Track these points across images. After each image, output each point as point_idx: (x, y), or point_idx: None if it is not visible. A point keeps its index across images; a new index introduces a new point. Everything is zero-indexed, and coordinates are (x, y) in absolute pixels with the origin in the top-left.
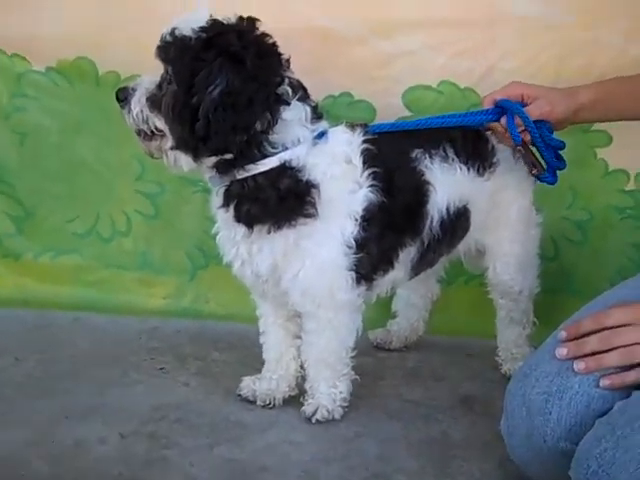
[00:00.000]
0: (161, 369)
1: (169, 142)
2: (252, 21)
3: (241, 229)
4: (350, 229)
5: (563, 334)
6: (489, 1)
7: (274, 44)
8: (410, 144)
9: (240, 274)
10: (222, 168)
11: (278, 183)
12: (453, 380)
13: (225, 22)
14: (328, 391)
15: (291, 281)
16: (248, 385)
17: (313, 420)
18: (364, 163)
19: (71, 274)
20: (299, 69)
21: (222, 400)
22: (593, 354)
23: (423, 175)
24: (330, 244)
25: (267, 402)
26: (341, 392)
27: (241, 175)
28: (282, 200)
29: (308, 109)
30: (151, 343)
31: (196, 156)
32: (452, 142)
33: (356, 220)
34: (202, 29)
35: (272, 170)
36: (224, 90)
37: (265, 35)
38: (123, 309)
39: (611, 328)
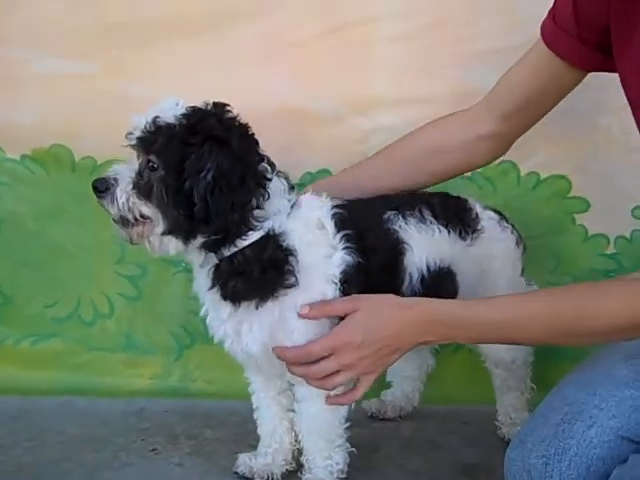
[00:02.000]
0: (153, 450)
1: (159, 227)
2: (224, 106)
3: (227, 307)
4: (331, 294)
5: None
6: (460, 77)
7: (248, 126)
8: (382, 207)
9: (232, 352)
10: (211, 246)
11: (262, 254)
12: (452, 448)
13: (203, 108)
14: (324, 464)
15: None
16: (244, 462)
17: None
18: (336, 226)
19: (53, 359)
20: (276, 148)
21: (218, 479)
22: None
23: (397, 234)
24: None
25: (265, 478)
26: (337, 463)
27: (231, 251)
28: (264, 271)
29: (284, 181)
30: (140, 424)
31: (187, 239)
32: (430, 205)
33: (335, 284)
34: (184, 116)
35: (257, 241)
36: (216, 173)
37: (238, 119)
38: (109, 391)
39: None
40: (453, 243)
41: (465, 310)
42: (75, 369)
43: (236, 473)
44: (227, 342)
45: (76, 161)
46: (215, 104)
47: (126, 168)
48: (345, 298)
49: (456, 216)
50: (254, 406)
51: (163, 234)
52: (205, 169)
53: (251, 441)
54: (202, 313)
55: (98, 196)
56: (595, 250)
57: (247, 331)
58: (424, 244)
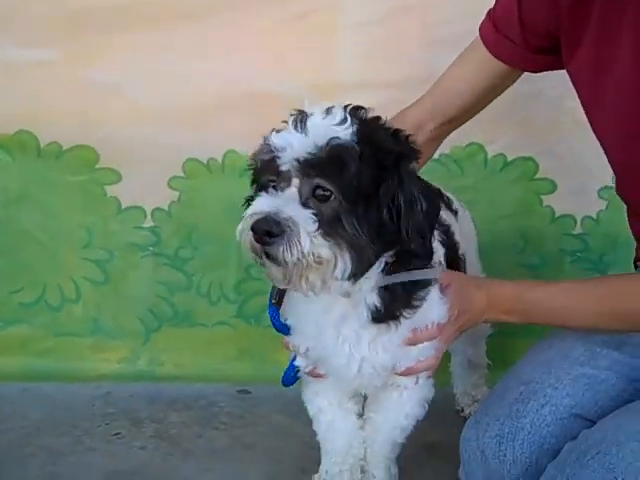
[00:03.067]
0: (116, 434)
1: (339, 270)
2: (364, 109)
3: (373, 329)
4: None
5: None
6: (425, 62)
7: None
8: None
9: (346, 373)
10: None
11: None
12: (416, 428)
13: (366, 119)
14: (387, 476)
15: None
16: None
17: None
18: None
19: (19, 344)
20: (243, 132)
21: (181, 462)
22: None
23: (443, 220)
24: (440, 300)
25: None
26: (395, 475)
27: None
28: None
29: None
30: (105, 409)
31: (361, 277)
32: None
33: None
34: (359, 132)
35: None
36: (424, 199)
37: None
38: (76, 376)
39: None
40: (455, 223)
41: (527, 291)
42: (42, 354)
43: None
44: (354, 366)
45: (41, 147)
46: (358, 108)
47: (283, 201)
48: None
49: (447, 203)
50: (324, 423)
51: (347, 278)
52: (416, 198)
53: (216, 424)
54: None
55: (266, 242)
56: (562, 230)
57: (387, 345)
58: (456, 230)
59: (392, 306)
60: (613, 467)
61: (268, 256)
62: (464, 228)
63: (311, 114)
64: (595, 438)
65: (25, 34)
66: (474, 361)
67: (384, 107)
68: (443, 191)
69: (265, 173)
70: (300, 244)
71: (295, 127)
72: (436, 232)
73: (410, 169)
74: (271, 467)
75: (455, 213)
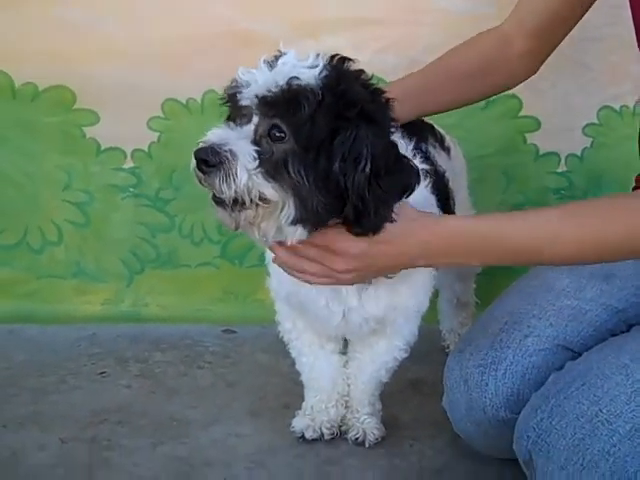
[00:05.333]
0: (101, 374)
1: (285, 214)
2: (349, 61)
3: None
4: None
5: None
6: None
7: (384, 90)
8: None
9: (335, 321)
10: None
11: None
12: (400, 365)
13: (343, 69)
14: (372, 410)
15: (404, 312)
16: (306, 424)
17: (366, 445)
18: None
19: (2, 287)
20: (224, 71)
21: (165, 400)
22: None
23: (438, 164)
24: None
25: (333, 433)
26: (380, 410)
27: None
28: None
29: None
30: (90, 349)
31: (315, 229)
32: (430, 133)
33: None
34: (327, 79)
35: None
36: (373, 161)
37: (373, 82)
38: (59, 318)
39: None
40: (448, 163)
41: (495, 229)
42: (25, 297)
43: (302, 438)
44: (336, 318)
45: (16, 87)
46: (343, 59)
47: (235, 135)
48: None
49: (440, 139)
50: (307, 364)
51: (292, 223)
52: (363, 157)
53: (200, 362)
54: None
55: (204, 170)
56: (546, 168)
57: (373, 296)
58: (446, 168)
59: None
60: (598, 399)
61: (214, 200)
62: (456, 167)
63: (284, 54)
64: (580, 370)
65: None
66: (462, 299)
67: (369, 43)
68: (436, 127)
69: (230, 107)
70: (236, 177)
71: (264, 64)
72: (430, 186)
73: (373, 129)
74: (254, 404)
75: (448, 151)
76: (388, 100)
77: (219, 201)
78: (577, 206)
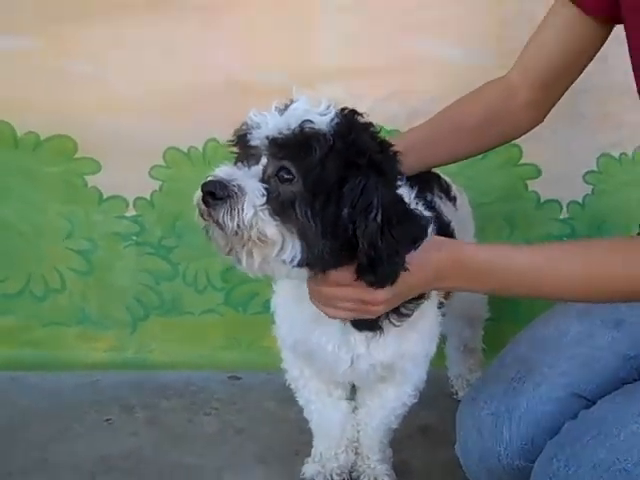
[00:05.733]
0: (107, 420)
1: (288, 255)
2: (358, 114)
3: (360, 333)
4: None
5: None
6: (408, 47)
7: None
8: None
9: (343, 369)
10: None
11: None
12: (409, 411)
13: (353, 118)
14: (382, 457)
15: (410, 359)
16: (317, 471)
17: None
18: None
19: (6, 335)
20: (224, 121)
21: (172, 447)
22: None
23: (443, 216)
24: (434, 308)
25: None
26: (390, 458)
27: None
28: None
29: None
30: (94, 396)
31: (324, 272)
32: (436, 183)
33: None
34: (339, 126)
35: None
36: (384, 211)
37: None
38: (63, 365)
39: None
40: (454, 214)
41: (501, 257)
42: (29, 345)
43: None
44: (344, 365)
45: (18, 137)
46: (353, 111)
47: (243, 174)
48: None
49: (446, 189)
50: (315, 412)
51: (298, 265)
52: (374, 207)
53: (207, 409)
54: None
55: (210, 203)
56: (549, 215)
57: (380, 343)
58: (451, 218)
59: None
60: (615, 448)
61: (215, 223)
62: (462, 214)
63: (297, 100)
64: (595, 418)
65: None
66: (470, 345)
67: (367, 93)
68: (442, 175)
69: (239, 149)
70: (242, 212)
71: (276, 108)
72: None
73: (382, 179)
74: (263, 451)
75: (454, 200)
76: (396, 153)
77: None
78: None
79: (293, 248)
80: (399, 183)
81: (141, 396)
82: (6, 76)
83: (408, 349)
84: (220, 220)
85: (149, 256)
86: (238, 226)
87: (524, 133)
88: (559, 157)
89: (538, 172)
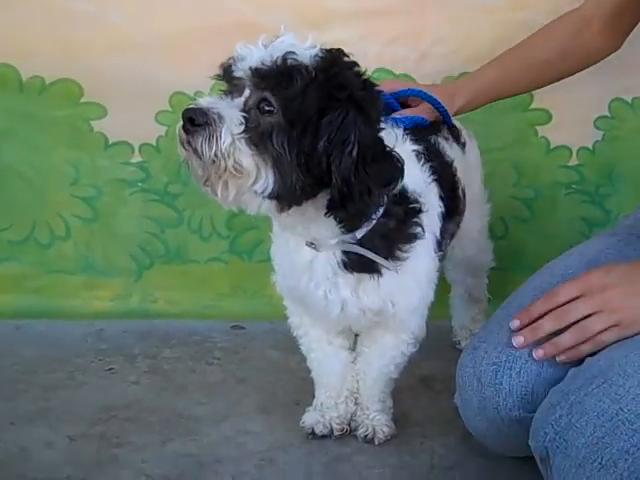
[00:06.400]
0: (109, 370)
1: (260, 186)
2: (345, 55)
3: (350, 275)
4: (438, 229)
5: (516, 322)
6: None
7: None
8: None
9: (334, 314)
10: (347, 223)
11: (394, 214)
12: (410, 361)
13: (337, 55)
14: (382, 407)
15: (405, 305)
16: (316, 420)
17: (375, 442)
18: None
19: (10, 282)
20: None
21: (174, 396)
22: (549, 336)
23: (447, 156)
24: (430, 251)
25: (343, 430)
26: (390, 408)
27: (362, 232)
28: (398, 232)
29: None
30: (98, 345)
31: (289, 207)
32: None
33: (440, 221)
34: (322, 61)
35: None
36: (360, 147)
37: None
38: (68, 314)
39: (562, 305)
40: (461, 156)
41: None
42: (33, 292)
43: (312, 434)
44: (336, 307)
45: (23, 81)
46: (340, 50)
47: (226, 103)
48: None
49: (453, 131)
50: (315, 360)
51: (269, 197)
52: (350, 141)
53: (210, 359)
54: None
55: (188, 129)
56: (557, 162)
57: (369, 288)
58: (456, 160)
59: (368, 260)
60: (619, 398)
61: (194, 151)
62: (470, 160)
63: (283, 34)
64: (601, 366)
65: None
66: (474, 294)
67: (375, 35)
68: (453, 120)
69: (225, 82)
70: (220, 139)
71: (262, 42)
72: (429, 170)
73: (362, 116)
74: (265, 400)
75: (463, 145)
76: (379, 93)
77: (198, 155)
78: None
79: (266, 179)
80: (381, 124)
81: (144, 345)
82: (10, 18)
83: (401, 294)
84: (198, 148)
85: (154, 203)
86: (215, 155)
87: (601, 59)
88: (570, 102)
89: (549, 117)
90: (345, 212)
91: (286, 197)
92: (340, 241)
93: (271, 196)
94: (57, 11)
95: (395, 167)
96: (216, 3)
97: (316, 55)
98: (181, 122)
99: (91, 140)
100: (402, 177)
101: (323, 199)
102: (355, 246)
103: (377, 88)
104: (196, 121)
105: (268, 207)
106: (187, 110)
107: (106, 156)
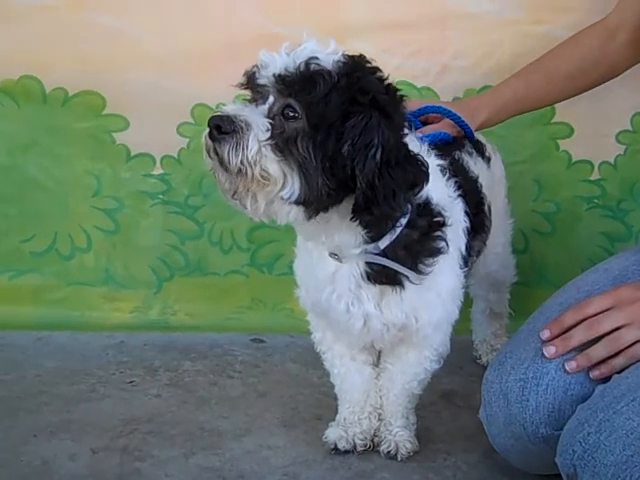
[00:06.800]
0: (131, 382)
1: (287, 192)
2: (368, 61)
3: (373, 288)
4: (463, 244)
5: (546, 333)
6: (439, 1)
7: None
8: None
9: (357, 328)
10: (373, 231)
11: (418, 225)
12: (432, 377)
13: (360, 61)
14: (405, 423)
15: (428, 321)
16: (340, 435)
17: (398, 458)
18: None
19: (32, 294)
20: None
21: (196, 409)
22: (582, 348)
23: (471, 172)
24: (455, 267)
25: (366, 446)
26: (413, 423)
27: (395, 234)
28: (422, 245)
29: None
30: (119, 357)
31: (317, 213)
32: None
33: (464, 233)
34: (345, 66)
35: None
36: (384, 150)
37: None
38: (88, 326)
39: (593, 316)
40: (486, 171)
41: None
42: (54, 304)
43: (335, 449)
44: (359, 321)
45: (47, 92)
46: (362, 56)
47: (251, 110)
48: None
49: (477, 145)
50: (338, 376)
51: (295, 202)
52: (374, 145)
53: (230, 372)
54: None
55: (216, 137)
56: (579, 176)
57: (393, 302)
58: (481, 176)
59: (392, 271)
60: None
61: (220, 161)
62: (495, 174)
63: (306, 42)
64: (629, 384)
65: None
66: (496, 309)
67: (395, 48)
68: (476, 135)
69: (249, 90)
70: (247, 147)
71: (285, 49)
72: (454, 185)
73: (385, 120)
74: (287, 414)
75: (488, 160)
76: (402, 97)
77: (226, 169)
78: None
79: (292, 184)
80: (405, 128)
81: (165, 358)
82: (34, 31)
83: (425, 310)
84: (225, 156)
85: (175, 215)
86: (242, 162)
87: (624, 71)
88: (592, 116)
89: (570, 131)
90: (370, 216)
91: (313, 202)
92: (363, 251)
93: (298, 202)
94: (80, 24)
95: (420, 170)
96: (237, 16)
97: (338, 60)
98: (207, 130)
99: (113, 152)
100: (427, 181)
101: (347, 206)
102: (378, 257)
103: (400, 93)
104: (223, 129)
105: (296, 214)
106: (214, 117)
107: (128, 168)
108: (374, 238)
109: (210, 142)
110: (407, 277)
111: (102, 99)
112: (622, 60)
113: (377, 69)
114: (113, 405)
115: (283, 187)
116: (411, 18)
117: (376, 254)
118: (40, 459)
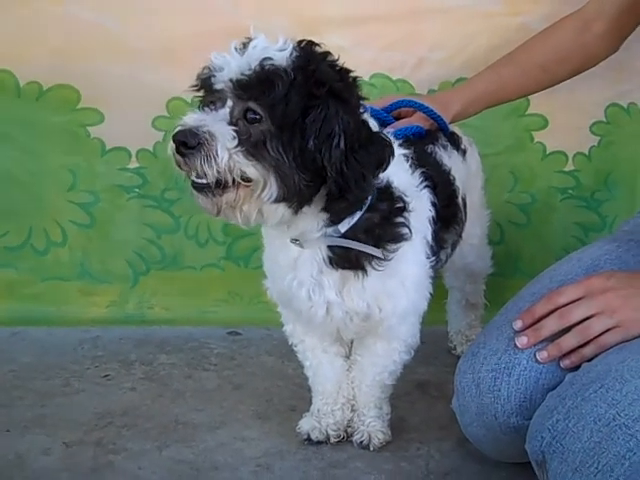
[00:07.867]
0: (105, 376)
1: (267, 193)
2: (316, 44)
3: (335, 274)
4: (429, 234)
5: (519, 323)
6: None
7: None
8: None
9: (320, 317)
10: (335, 215)
11: (379, 209)
12: (406, 367)
13: (311, 50)
14: (377, 413)
15: (391, 310)
16: (313, 425)
17: (371, 448)
18: (412, 163)
19: (6, 289)
20: None
21: (171, 402)
22: (553, 338)
23: (443, 164)
24: (420, 256)
25: (340, 437)
26: (387, 414)
27: (354, 219)
28: (383, 229)
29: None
30: (94, 352)
31: (300, 207)
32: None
33: (431, 226)
34: (298, 60)
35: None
36: (346, 137)
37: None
38: (64, 320)
39: (564, 306)
40: (461, 164)
41: None
42: (29, 299)
43: (308, 440)
44: (321, 309)
45: (21, 86)
46: (310, 43)
47: (212, 118)
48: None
49: (452, 138)
50: (311, 368)
51: (275, 201)
52: (335, 134)
53: (206, 365)
54: (272, 279)
55: (183, 153)
56: (554, 167)
57: (355, 290)
58: (455, 168)
59: (354, 255)
60: (616, 403)
61: (194, 186)
62: (471, 167)
63: (255, 38)
64: (598, 371)
65: None
66: (472, 300)
67: (372, 41)
68: (452, 128)
69: (204, 92)
70: (218, 156)
71: (236, 49)
72: (421, 175)
73: (343, 106)
74: (261, 406)
75: (464, 152)
76: (355, 79)
77: (199, 187)
78: None
79: (271, 185)
80: (362, 108)
81: (141, 352)
82: (7, 24)
83: (389, 299)
84: (199, 169)
85: (151, 209)
86: (218, 172)
87: (599, 62)
88: (567, 107)
89: (545, 123)
90: (346, 202)
91: (292, 199)
92: (324, 234)
93: (277, 200)
94: (54, 17)
95: (383, 147)
96: (213, 9)
97: (291, 55)
98: (173, 145)
99: (88, 146)
100: (393, 155)
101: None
102: (340, 239)
103: (352, 74)
104: (189, 144)
105: (283, 212)
106: (177, 134)
107: (103, 162)
108: (335, 221)
109: (179, 157)
110: (370, 257)
111: (77, 93)
112: (598, 51)
113: (328, 53)
114: (87, 399)
115: (263, 188)
116: (386, 11)
117: (337, 237)
118: (14, 453)
